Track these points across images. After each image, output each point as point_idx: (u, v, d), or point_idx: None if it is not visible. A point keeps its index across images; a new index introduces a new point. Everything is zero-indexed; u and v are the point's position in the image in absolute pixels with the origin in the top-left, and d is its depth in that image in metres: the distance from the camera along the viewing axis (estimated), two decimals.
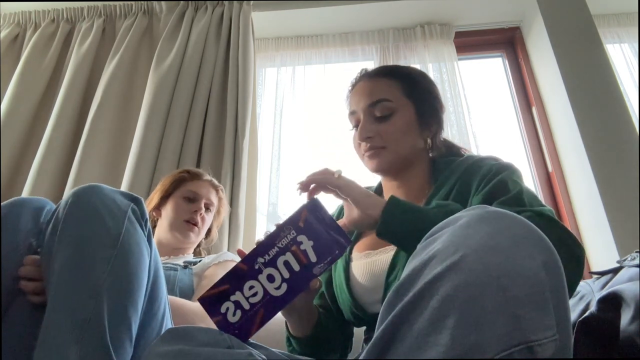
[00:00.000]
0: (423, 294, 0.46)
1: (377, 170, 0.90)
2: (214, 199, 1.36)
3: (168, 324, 0.81)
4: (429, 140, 0.92)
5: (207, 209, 1.33)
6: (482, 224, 0.48)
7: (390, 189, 0.94)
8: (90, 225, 0.70)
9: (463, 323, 0.42)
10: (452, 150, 0.97)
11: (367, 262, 0.87)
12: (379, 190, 1.00)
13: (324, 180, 0.77)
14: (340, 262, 0.93)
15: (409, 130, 0.89)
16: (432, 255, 0.48)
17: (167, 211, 1.29)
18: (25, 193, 1.65)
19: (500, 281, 0.43)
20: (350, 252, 0.93)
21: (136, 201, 0.76)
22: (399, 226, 0.72)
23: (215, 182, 1.41)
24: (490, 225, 0.48)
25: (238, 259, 1.22)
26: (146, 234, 0.76)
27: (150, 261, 0.75)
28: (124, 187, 1.62)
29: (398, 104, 0.89)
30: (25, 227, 0.78)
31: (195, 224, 1.27)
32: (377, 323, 0.49)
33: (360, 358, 0.48)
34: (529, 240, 0.47)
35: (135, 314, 0.69)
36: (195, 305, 1.00)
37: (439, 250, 0.48)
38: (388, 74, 0.94)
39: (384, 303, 0.50)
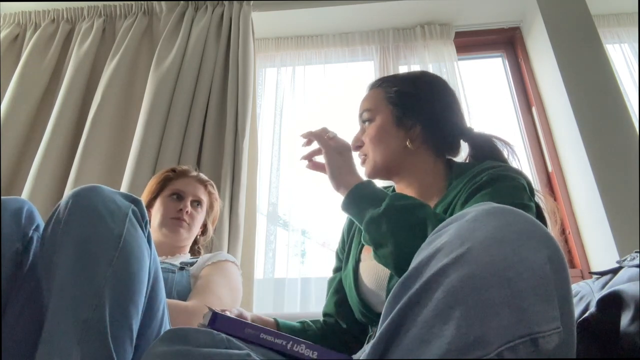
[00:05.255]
0: (429, 286, 0.46)
1: (367, 176, 0.95)
2: (201, 195, 1.33)
3: (167, 325, 0.81)
4: (407, 143, 0.91)
5: (197, 205, 1.31)
6: (488, 219, 0.49)
7: (401, 190, 0.96)
8: (92, 226, 0.69)
9: (468, 314, 0.42)
10: (485, 153, 0.94)
11: (374, 265, 0.88)
12: (393, 191, 1.01)
13: (318, 136, 0.88)
14: (350, 261, 0.95)
15: (385, 135, 0.92)
16: (438, 248, 0.49)
17: (156, 211, 1.28)
18: (25, 193, 1.65)
19: (505, 273, 0.44)
20: (360, 252, 0.95)
21: (136, 202, 0.76)
22: (356, 216, 0.79)
23: (203, 177, 1.38)
24: (497, 220, 0.48)
25: (233, 259, 1.23)
26: (146, 235, 0.76)
27: (150, 262, 0.75)
28: (124, 187, 1.62)
29: (376, 112, 0.95)
30: (7, 231, 0.74)
31: (183, 221, 1.25)
32: (382, 317, 0.50)
33: (366, 353, 0.48)
34: (535, 235, 0.47)
35: (136, 315, 0.69)
36: (189, 304, 1.00)
37: (446, 243, 0.48)
38: (377, 83, 1.00)
39: (389, 296, 0.50)
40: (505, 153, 0.94)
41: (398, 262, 0.71)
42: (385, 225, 0.72)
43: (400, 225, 0.72)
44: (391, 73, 1.98)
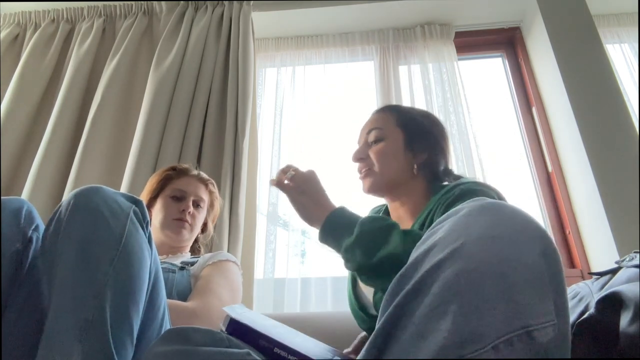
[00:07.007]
0: (424, 281, 0.47)
1: (368, 191, 0.98)
2: (203, 194, 1.32)
3: (167, 324, 0.81)
4: (414, 166, 0.95)
5: (198, 205, 1.30)
6: (483, 214, 0.50)
7: (394, 210, 1.00)
8: (93, 226, 0.69)
9: (464, 308, 0.43)
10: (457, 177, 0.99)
11: None
12: (386, 210, 1.05)
13: (278, 183, 0.88)
14: None
15: (394, 155, 0.96)
16: (433, 244, 0.49)
17: (157, 211, 1.27)
18: (25, 193, 1.65)
19: (500, 268, 0.44)
20: None
21: (137, 203, 0.76)
22: (334, 248, 0.81)
23: (204, 176, 1.36)
24: (491, 215, 0.49)
25: (234, 259, 1.23)
26: (147, 236, 0.76)
27: (151, 263, 0.75)
28: (124, 187, 1.63)
29: (388, 132, 0.98)
30: (7, 231, 0.74)
31: (186, 222, 1.24)
32: (380, 313, 0.50)
33: (364, 348, 0.48)
34: (528, 230, 0.48)
35: (136, 314, 0.69)
36: (189, 305, 1.00)
37: (441, 239, 0.49)
38: (387, 108, 1.05)
39: (386, 292, 0.51)
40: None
41: (380, 284, 0.75)
42: (359, 252, 0.74)
43: (372, 250, 0.74)
44: (391, 73, 1.98)
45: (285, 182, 0.88)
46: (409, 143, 0.96)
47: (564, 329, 0.44)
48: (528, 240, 0.47)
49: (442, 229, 0.51)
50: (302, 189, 0.86)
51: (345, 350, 0.97)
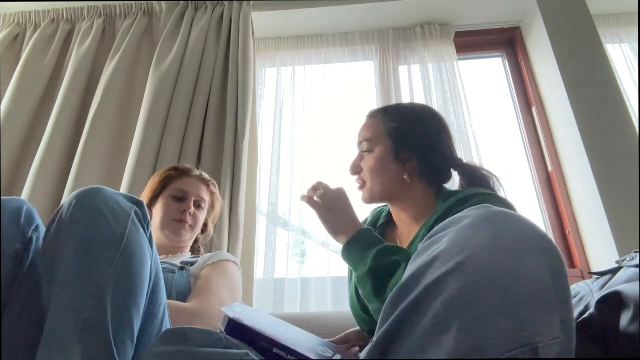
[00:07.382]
0: (427, 295, 0.46)
1: (365, 202, 1.01)
2: (204, 195, 1.31)
3: (167, 325, 0.81)
4: (405, 176, 0.95)
5: (199, 206, 1.30)
6: (486, 225, 0.48)
7: (396, 214, 1.01)
8: (94, 226, 0.70)
9: (467, 324, 0.42)
10: (474, 180, 0.97)
11: None
12: (389, 212, 1.05)
13: (308, 200, 0.93)
14: None
15: (382, 167, 0.96)
16: (436, 256, 0.48)
17: (157, 211, 1.27)
18: (25, 193, 1.65)
19: (504, 282, 0.43)
20: None
21: (138, 204, 0.77)
22: (352, 269, 0.86)
23: (206, 176, 1.36)
24: (495, 226, 0.48)
25: (233, 259, 1.22)
26: (148, 236, 0.76)
27: (151, 263, 0.75)
28: (123, 188, 1.62)
29: (375, 143, 0.99)
30: (7, 231, 0.75)
31: (186, 223, 1.24)
32: (379, 322, 0.50)
33: (362, 357, 0.48)
34: (533, 241, 0.47)
35: (137, 314, 0.69)
36: (189, 305, 1.00)
37: (443, 251, 0.48)
38: (378, 113, 1.04)
39: (386, 302, 0.50)
40: (492, 182, 0.97)
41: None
42: (370, 285, 0.78)
43: (381, 286, 0.77)
44: (391, 73, 1.98)
45: (315, 199, 0.92)
46: (396, 153, 0.96)
47: (569, 345, 0.44)
48: (533, 252, 0.45)
49: (445, 239, 0.50)
50: (330, 207, 0.90)
51: (332, 339, 0.97)
